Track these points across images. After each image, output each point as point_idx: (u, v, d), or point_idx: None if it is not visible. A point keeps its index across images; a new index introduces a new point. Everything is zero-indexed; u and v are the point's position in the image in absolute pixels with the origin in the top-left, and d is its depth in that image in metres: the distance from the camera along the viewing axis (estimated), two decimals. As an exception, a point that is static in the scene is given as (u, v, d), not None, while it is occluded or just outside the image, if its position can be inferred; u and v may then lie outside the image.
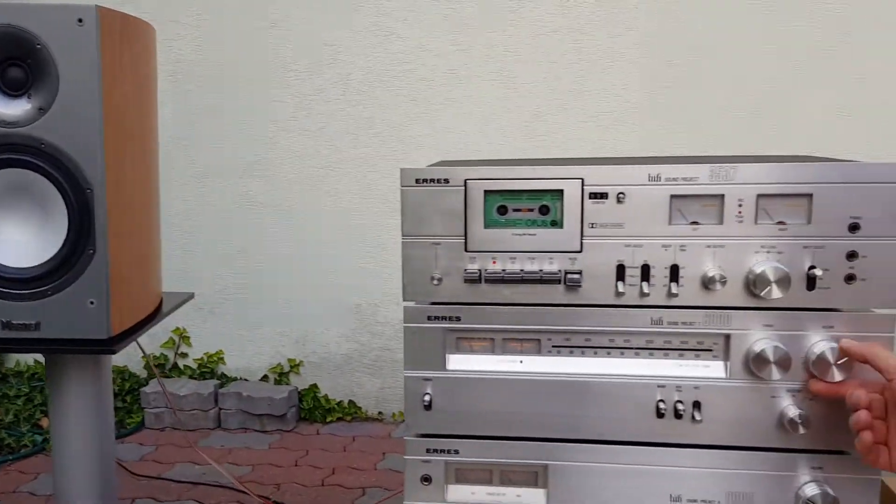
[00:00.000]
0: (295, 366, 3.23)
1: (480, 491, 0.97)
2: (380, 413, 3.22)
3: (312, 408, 3.20)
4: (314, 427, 3.14)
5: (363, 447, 2.94)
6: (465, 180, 0.89)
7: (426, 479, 0.96)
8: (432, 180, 0.89)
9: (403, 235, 0.91)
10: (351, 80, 3.00)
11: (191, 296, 1.26)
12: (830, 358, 0.85)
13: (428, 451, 0.96)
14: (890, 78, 2.74)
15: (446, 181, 0.89)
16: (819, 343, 0.86)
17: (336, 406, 3.21)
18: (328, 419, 3.19)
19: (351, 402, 3.24)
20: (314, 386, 3.23)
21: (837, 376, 0.85)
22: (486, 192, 0.89)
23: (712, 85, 2.81)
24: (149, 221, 1.14)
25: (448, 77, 2.94)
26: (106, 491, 1.23)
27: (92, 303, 0.99)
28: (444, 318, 0.93)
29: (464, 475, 0.97)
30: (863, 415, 0.81)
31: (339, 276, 3.14)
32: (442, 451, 0.96)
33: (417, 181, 0.90)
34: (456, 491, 0.97)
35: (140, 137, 1.10)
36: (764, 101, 2.80)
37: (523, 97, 2.91)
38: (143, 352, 1.60)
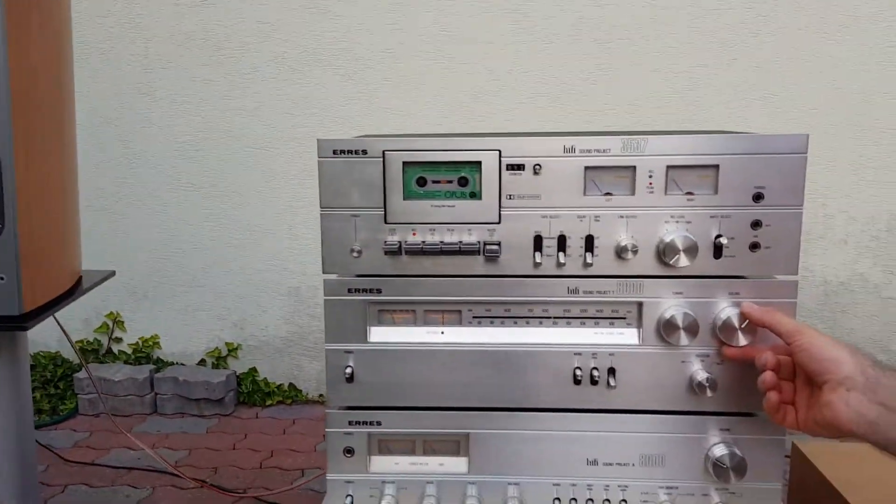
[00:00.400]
0: (233, 350, 3.19)
1: (403, 461, 0.98)
2: (321, 396, 3.20)
3: (251, 391, 3.17)
4: (253, 411, 3.12)
5: (303, 430, 2.93)
6: (384, 151, 0.89)
7: (349, 451, 0.97)
8: (350, 151, 0.89)
9: (321, 207, 0.91)
10: (286, 59, 2.96)
11: (111, 273, 1.23)
12: (736, 323, 0.88)
13: (350, 423, 0.96)
14: (804, 60, 2.84)
15: (364, 152, 0.89)
16: (725, 309, 0.89)
17: (276, 389, 3.19)
18: (268, 403, 3.16)
19: (291, 385, 3.22)
20: (253, 370, 3.19)
21: (742, 340, 0.89)
22: (404, 163, 0.90)
23: (645, 65, 2.86)
24: (65, 196, 1.11)
25: (385, 56, 2.93)
26: (26, 475, 1.20)
27: (2, 278, 0.96)
28: (364, 290, 0.93)
29: (386, 446, 0.97)
30: (768, 376, 0.84)
31: (276, 258, 3.11)
32: (364, 422, 0.96)
33: (335, 152, 0.89)
34: (379, 462, 0.98)
35: (54, 108, 1.06)
36: (694, 81, 2.86)
37: (461, 77, 2.91)
38: (67, 336, 1.55)
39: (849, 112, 2.86)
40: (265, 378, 3.20)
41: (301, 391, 3.22)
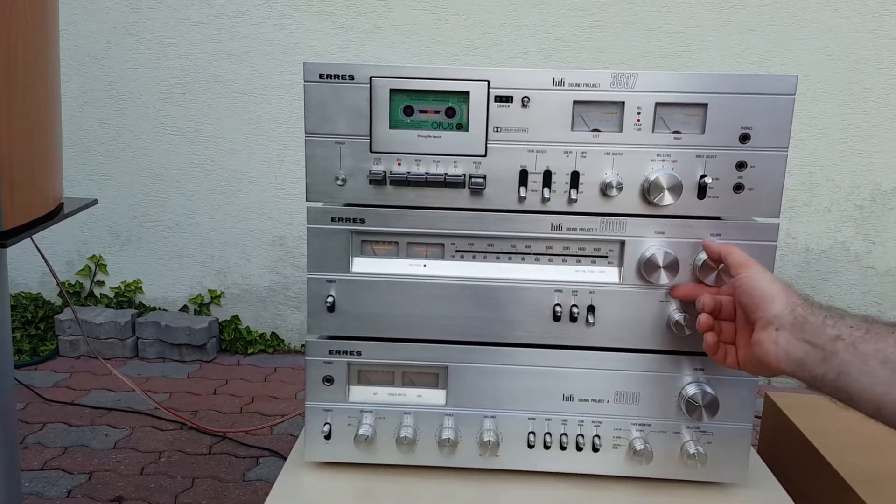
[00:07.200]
0: (216, 297, 3.19)
1: (382, 392, 0.98)
2: (303, 346, 3.21)
3: (234, 339, 3.17)
4: (235, 358, 3.13)
5: (285, 378, 2.95)
6: (371, 77, 0.88)
7: (328, 380, 0.97)
8: (337, 76, 0.88)
9: (306, 133, 0.90)
10: (276, 4, 2.91)
11: (94, 201, 1.22)
12: (715, 263, 0.89)
13: (330, 352, 0.97)
14: (799, 25, 2.82)
15: (351, 77, 0.88)
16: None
17: (258, 338, 3.20)
18: (250, 351, 3.17)
19: (273, 334, 3.22)
20: (235, 318, 3.20)
21: (724, 280, 0.89)
22: (391, 90, 0.88)
23: (641, 24, 2.83)
24: (47, 119, 1.09)
25: (378, 5, 2.88)
26: (3, 400, 1.20)
27: (-19, 196, 0.95)
28: (348, 219, 0.93)
29: (366, 376, 0.98)
30: (703, 318, 0.85)
31: (261, 206, 3.09)
32: (344, 352, 0.97)
33: (321, 76, 0.88)
34: (358, 392, 0.98)
35: (35, 27, 1.04)
36: (689, 42, 2.85)
37: (454, 30, 2.88)
38: (52, 271, 1.54)
39: (840, 80, 2.86)
40: (247, 326, 3.20)
41: (283, 341, 3.23)
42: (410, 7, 2.87)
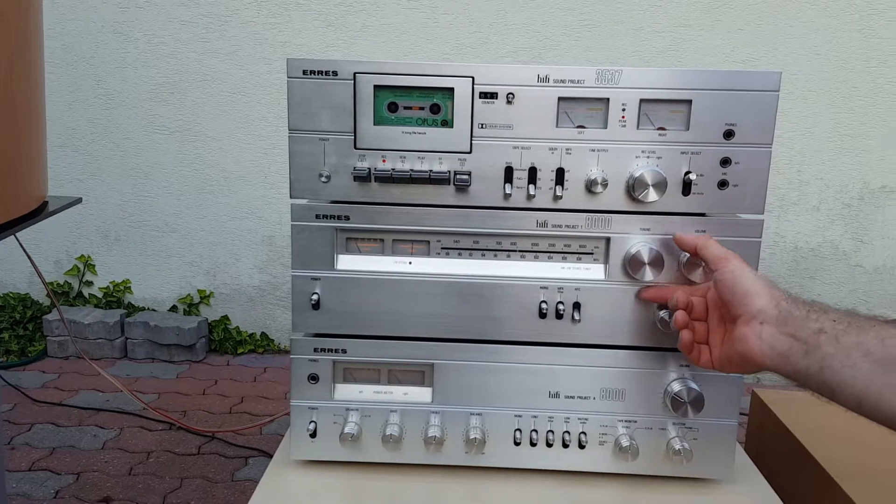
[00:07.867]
0: (205, 297, 3.17)
1: (368, 389, 0.98)
2: (293, 345, 3.20)
3: (223, 339, 3.16)
4: (224, 358, 3.12)
5: (274, 378, 2.94)
6: (355, 73, 0.88)
7: (313, 378, 0.97)
8: (320, 72, 0.88)
9: (290, 130, 0.90)
10: (265, 3, 2.90)
11: (78, 200, 1.21)
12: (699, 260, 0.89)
13: (315, 350, 0.96)
14: (787, 24, 2.83)
15: (335, 73, 0.88)
16: (691, 245, 0.90)
17: (248, 338, 3.19)
18: (239, 351, 3.16)
19: (263, 334, 3.21)
20: (225, 318, 3.18)
21: (706, 277, 0.89)
22: (375, 87, 0.88)
23: (629, 23, 2.84)
24: (30, 117, 1.08)
25: (367, 4, 2.88)
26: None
27: (-39, 194, 0.94)
28: (332, 216, 0.93)
29: (351, 374, 0.98)
30: (679, 315, 0.84)
31: (251, 206, 3.08)
32: (329, 350, 0.96)
33: (305, 72, 0.88)
34: (343, 390, 0.98)
35: (17, 24, 1.03)
36: (677, 41, 2.85)
37: (444, 29, 2.88)
38: (38, 271, 1.53)
39: (828, 79, 2.87)
40: (237, 326, 3.19)
41: (273, 341, 3.22)
42: (400, 6, 2.86)
